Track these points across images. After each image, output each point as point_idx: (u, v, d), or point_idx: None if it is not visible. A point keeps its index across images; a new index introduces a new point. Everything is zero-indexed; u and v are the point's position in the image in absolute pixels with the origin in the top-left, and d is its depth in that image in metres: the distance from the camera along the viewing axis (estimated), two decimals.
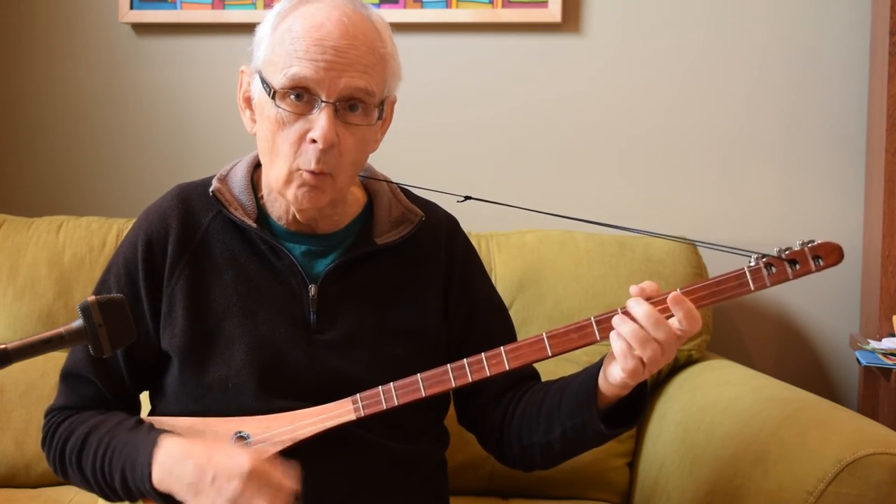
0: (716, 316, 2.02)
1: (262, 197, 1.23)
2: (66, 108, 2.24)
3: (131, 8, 2.16)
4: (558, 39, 2.10)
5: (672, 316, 1.03)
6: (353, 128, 1.13)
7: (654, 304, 1.03)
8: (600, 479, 1.74)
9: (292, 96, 1.10)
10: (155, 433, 1.13)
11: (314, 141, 1.10)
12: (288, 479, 1.05)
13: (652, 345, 1.01)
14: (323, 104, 1.09)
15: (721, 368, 1.75)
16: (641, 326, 1.02)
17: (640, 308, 1.03)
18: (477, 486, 1.74)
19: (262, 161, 1.19)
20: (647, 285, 1.06)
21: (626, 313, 1.04)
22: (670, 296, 1.03)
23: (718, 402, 1.53)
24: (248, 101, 1.19)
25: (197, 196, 1.24)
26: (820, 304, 2.06)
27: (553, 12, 2.06)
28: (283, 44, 1.11)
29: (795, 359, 2.08)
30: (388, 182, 1.29)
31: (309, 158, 1.11)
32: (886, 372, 1.69)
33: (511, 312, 1.38)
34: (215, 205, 1.21)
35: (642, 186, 2.10)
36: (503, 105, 2.13)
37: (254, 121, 1.18)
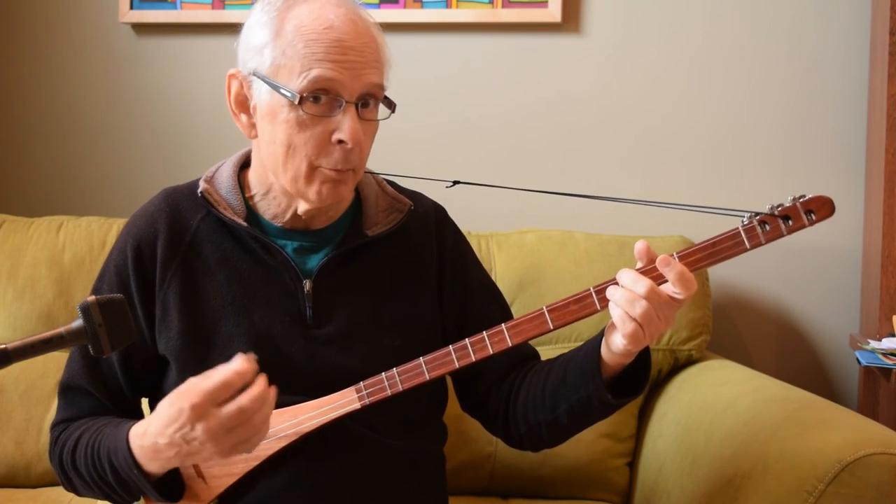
0: (716, 316, 2.02)
1: (251, 197, 1.23)
2: (66, 108, 2.24)
3: (131, 8, 2.16)
4: (558, 39, 2.11)
5: (666, 281, 1.03)
6: (368, 123, 1.14)
7: (650, 271, 1.04)
8: (600, 479, 1.74)
9: (312, 99, 1.10)
10: (124, 424, 1.12)
11: (341, 141, 1.10)
12: (214, 372, 1.01)
13: (641, 303, 1.01)
14: (345, 104, 1.10)
15: (721, 368, 1.75)
16: (627, 288, 1.03)
17: (625, 274, 1.04)
18: (477, 486, 1.74)
19: (269, 163, 1.17)
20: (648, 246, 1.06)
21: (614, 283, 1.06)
22: (659, 258, 1.03)
23: (718, 402, 1.53)
24: (243, 106, 1.17)
25: (184, 198, 1.24)
26: (820, 304, 2.06)
27: (553, 12, 2.06)
28: (294, 46, 1.09)
29: (795, 359, 2.08)
30: (373, 174, 1.29)
31: (336, 159, 1.12)
32: (886, 372, 1.69)
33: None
34: (204, 205, 1.21)
35: (642, 186, 2.10)
36: (503, 105, 2.13)
37: (252, 125, 1.17)
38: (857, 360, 1.76)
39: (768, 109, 2.06)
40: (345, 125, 1.10)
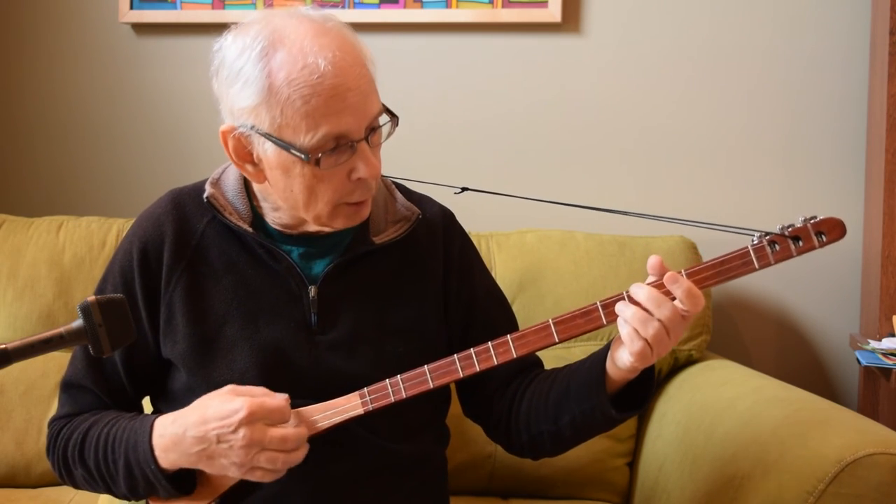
0: (716, 316, 2.02)
1: (258, 204, 1.22)
2: (66, 108, 2.24)
3: (131, 8, 2.16)
4: (558, 39, 2.10)
5: (674, 297, 1.03)
6: (376, 148, 1.13)
7: (657, 285, 1.04)
8: (600, 479, 1.74)
9: (324, 150, 1.07)
10: (149, 416, 1.13)
11: (360, 179, 1.10)
12: (277, 395, 1.08)
13: (654, 324, 1.01)
14: (356, 143, 1.08)
15: (721, 368, 1.75)
16: (644, 308, 1.03)
17: (642, 291, 1.03)
18: (477, 486, 1.75)
19: (286, 205, 1.16)
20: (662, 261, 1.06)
21: (630, 297, 1.05)
22: (666, 275, 1.03)
23: (718, 402, 1.53)
24: (247, 158, 1.13)
25: (191, 201, 1.23)
26: (820, 304, 2.06)
27: (553, 12, 2.06)
28: (293, 105, 1.05)
29: (795, 359, 2.08)
30: (383, 177, 1.28)
31: (359, 194, 1.12)
32: (886, 372, 1.69)
33: None
34: (210, 210, 1.20)
35: (643, 186, 2.10)
36: (503, 105, 2.13)
37: (260, 172, 1.14)
38: (857, 360, 1.76)
39: (768, 109, 2.06)
40: (361, 164, 1.09)
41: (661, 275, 1.04)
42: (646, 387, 1.13)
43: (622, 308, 1.04)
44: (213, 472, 1.09)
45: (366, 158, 1.09)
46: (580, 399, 1.14)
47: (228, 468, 1.06)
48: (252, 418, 1.04)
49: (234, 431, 1.04)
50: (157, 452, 1.09)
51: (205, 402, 1.08)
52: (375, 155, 1.13)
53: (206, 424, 1.06)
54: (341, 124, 1.06)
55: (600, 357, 1.13)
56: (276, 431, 1.05)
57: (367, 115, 1.09)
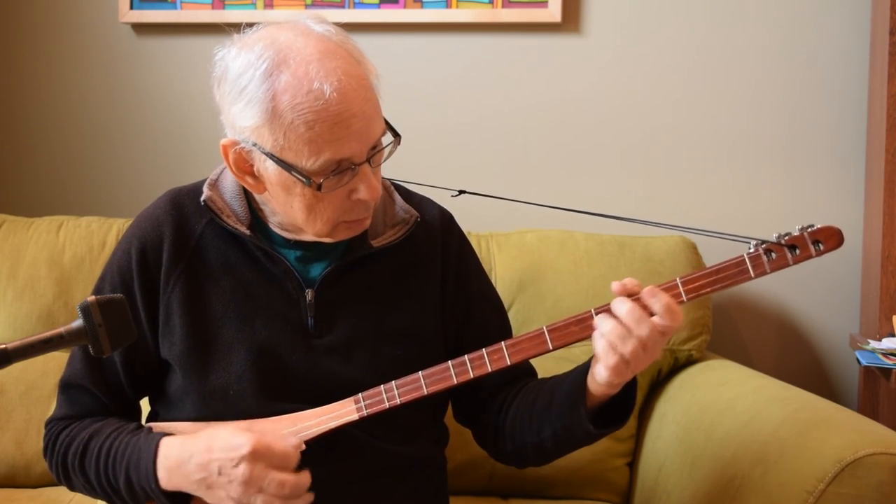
0: (716, 316, 2.02)
1: (258, 206, 1.21)
2: (66, 108, 2.24)
3: (131, 8, 2.16)
4: (558, 39, 2.10)
5: (654, 313, 1.02)
6: (377, 168, 1.13)
7: (635, 299, 1.03)
8: (600, 479, 1.74)
9: (325, 174, 1.07)
10: (155, 435, 1.13)
11: (360, 199, 1.10)
12: (288, 440, 1.07)
13: (632, 341, 1.01)
14: (359, 166, 1.08)
15: (721, 368, 1.75)
16: (623, 324, 1.02)
17: (623, 307, 1.02)
18: (477, 486, 1.74)
19: (286, 218, 1.17)
20: (629, 281, 1.05)
21: (608, 311, 1.04)
22: (645, 289, 1.02)
23: (718, 402, 1.53)
24: (247, 170, 1.13)
25: (190, 202, 1.23)
26: (820, 304, 2.06)
27: (553, 12, 2.06)
28: (296, 130, 1.04)
29: (795, 359, 2.08)
30: (382, 179, 1.28)
31: (358, 212, 1.12)
32: (886, 372, 1.69)
33: (511, 312, 1.38)
34: (208, 212, 1.20)
35: (642, 187, 2.10)
36: (503, 105, 2.13)
37: (260, 183, 1.14)
38: (857, 360, 1.76)
39: (768, 109, 2.06)
40: (362, 186, 1.09)
41: (629, 293, 1.03)
42: (629, 401, 1.12)
43: (600, 321, 1.03)
44: (211, 502, 1.08)
45: (367, 180, 1.09)
46: (561, 414, 1.14)
47: (225, 501, 1.06)
48: (254, 456, 1.04)
49: (236, 466, 1.04)
50: (160, 472, 1.09)
51: (214, 431, 1.09)
52: (376, 174, 1.13)
53: (211, 454, 1.06)
54: (344, 150, 1.06)
55: (582, 371, 1.12)
56: (276, 475, 1.05)
57: (370, 139, 1.08)
